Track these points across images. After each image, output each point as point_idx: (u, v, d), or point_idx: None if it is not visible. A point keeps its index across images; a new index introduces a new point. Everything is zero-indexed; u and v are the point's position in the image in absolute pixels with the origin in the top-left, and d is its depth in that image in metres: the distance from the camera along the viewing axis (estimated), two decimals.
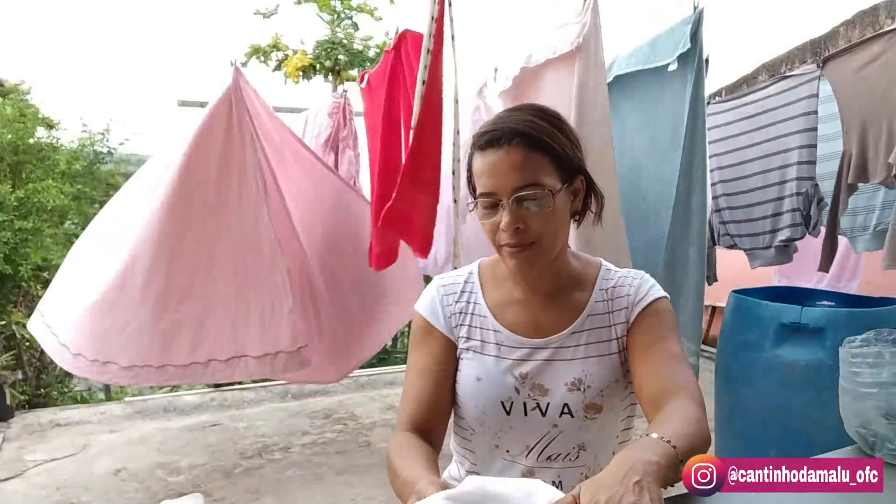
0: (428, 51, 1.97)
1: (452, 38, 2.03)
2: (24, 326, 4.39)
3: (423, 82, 1.98)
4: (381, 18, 5.95)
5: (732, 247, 2.90)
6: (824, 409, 1.53)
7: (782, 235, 2.65)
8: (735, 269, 3.07)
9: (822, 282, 3.34)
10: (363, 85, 2.97)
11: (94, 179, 5.89)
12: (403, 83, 2.45)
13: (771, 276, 3.67)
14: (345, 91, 3.50)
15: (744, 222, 2.82)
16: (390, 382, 4.79)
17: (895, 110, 2.15)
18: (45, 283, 5.10)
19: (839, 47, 2.49)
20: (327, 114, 3.35)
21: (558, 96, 2.22)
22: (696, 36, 2.07)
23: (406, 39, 2.44)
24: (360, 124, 3.48)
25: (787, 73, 2.68)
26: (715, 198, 2.91)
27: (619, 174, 2.37)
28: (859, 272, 3.49)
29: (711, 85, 2.65)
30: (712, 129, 2.90)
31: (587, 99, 2.08)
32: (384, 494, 2.95)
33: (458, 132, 2.06)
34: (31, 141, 5.28)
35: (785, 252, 2.73)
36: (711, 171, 2.92)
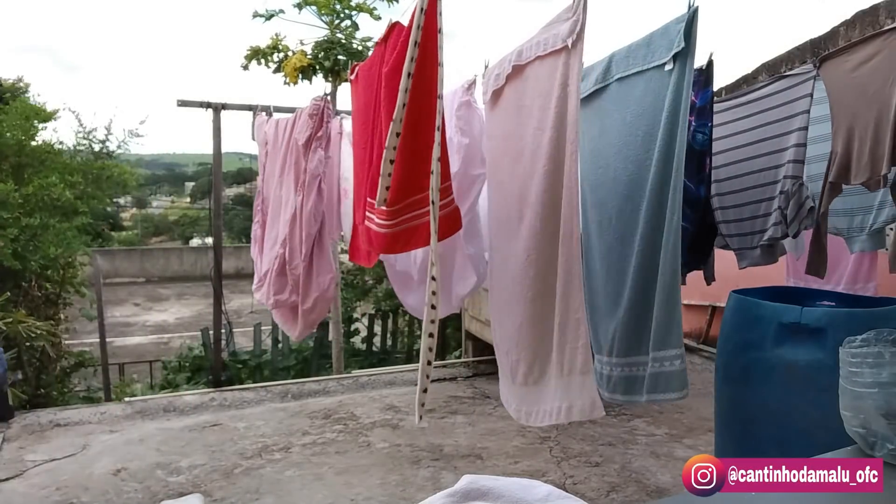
0: (416, 43, 1.90)
1: (440, 31, 1.97)
2: (26, 326, 4.41)
3: (409, 75, 1.90)
4: (379, 18, 5.94)
5: (724, 247, 2.88)
6: (824, 409, 1.52)
7: (766, 235, 2.63)
8: (736, 270, 3.05)
9: (839, 285, 3.23)
10: (352, 76, 2.95)
11: (95, 178, 5.92)
12: (382, 73, 2.40)
13: (783, 278, 3.57)
14: (327, 94, 3.46)
15: (734, 222, 2.80)
16: (390, 382, 4.79)
17: (883, 111, 2.12)
18: (49, 281, 5.12)
19: (839, 47, 2.48)
20: (308, 115, 3.35)
21: (546, 93, 2.20)
22: (689, 34, 2.04)
23: (394, 30, 2.40)
24: (344, 124, 3.49)
25: (785, 73, 2.68)
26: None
27: (623, 181, 2.34)
28: (874, 275, 3.36)
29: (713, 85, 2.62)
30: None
31: (574, 95, 2.07)
32: (384, 494, 2.94)
33: (438, 128, 1.99)
34: (34, 144, 5.36)
35: (770, 252, 2.70)
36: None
